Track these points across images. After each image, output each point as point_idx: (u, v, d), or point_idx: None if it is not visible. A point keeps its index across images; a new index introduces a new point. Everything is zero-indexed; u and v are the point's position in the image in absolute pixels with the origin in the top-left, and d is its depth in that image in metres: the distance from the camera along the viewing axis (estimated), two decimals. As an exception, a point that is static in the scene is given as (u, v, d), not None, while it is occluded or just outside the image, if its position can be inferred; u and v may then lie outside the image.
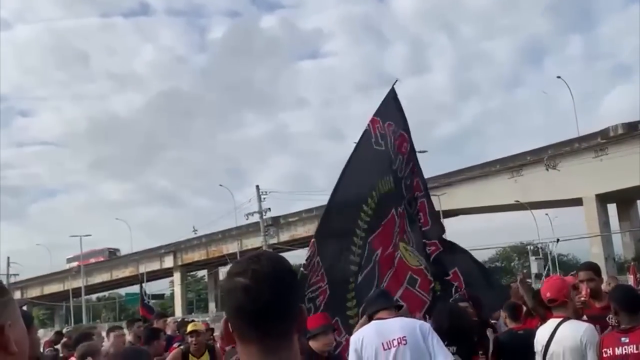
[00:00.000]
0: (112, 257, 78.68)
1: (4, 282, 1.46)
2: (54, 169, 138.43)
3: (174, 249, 71.67)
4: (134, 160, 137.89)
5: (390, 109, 7.25)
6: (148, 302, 10.92)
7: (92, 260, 76.25)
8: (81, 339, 5.73)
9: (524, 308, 6.94)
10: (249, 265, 1.59)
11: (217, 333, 10.25)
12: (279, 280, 1.58)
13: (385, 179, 6.84)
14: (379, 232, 6.62)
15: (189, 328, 7.62)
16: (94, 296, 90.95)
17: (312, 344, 5.01)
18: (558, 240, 43.43)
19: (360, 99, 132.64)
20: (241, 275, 1.57)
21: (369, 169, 6.78)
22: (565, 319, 4.77)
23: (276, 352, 1.55)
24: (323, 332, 4.97)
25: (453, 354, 4.52)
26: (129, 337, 8.60)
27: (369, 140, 6.79)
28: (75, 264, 76.05)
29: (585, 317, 5.32)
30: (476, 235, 76.70)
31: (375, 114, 6.99)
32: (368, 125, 6.87)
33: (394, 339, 4.26)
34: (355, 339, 4.35)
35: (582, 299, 5.48)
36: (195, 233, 70.45)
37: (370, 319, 4.62)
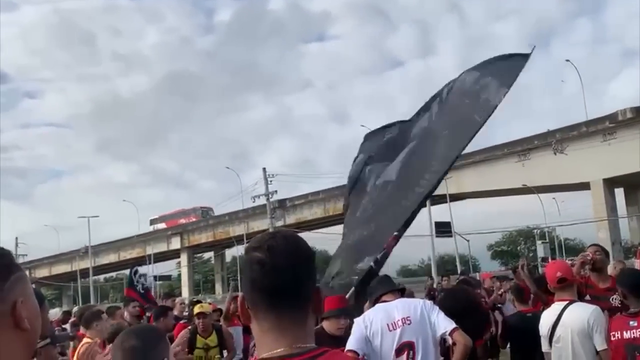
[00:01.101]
0: (206, 216, 72.74)
1: None
2: (61, 150, 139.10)
3: (181, 230, 71.99)
4: (140, 142, 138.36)
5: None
6: (138, 285, 10.33)
7: (182, 221, 74.03)
8: (90, 317, 5.77)
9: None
10: (265, 241, 1.60)
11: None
12: (294, 257, 1.59)
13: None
14: None
15: (196, 310, 7.72)
16: (101, 277, 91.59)
17: (325, 325, 5.08)
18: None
19: (365, 81, 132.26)
20: (257, 250, 1.59)
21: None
22: (572, 301, 4.78)
23: (289, 329, 1.56)
24: (337, 315, 5.01)
25: None
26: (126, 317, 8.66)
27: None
28: (162, 225, 74.97)
29: (588, 297, 5.33)
30: (483, 218, 76.75)
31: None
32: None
33: (398, 320, 4.32)
34: (360, 321, 4.39)
35: (589, 257, 5.56)
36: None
37: (374, 303, 4.67)
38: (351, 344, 4.27)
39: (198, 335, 7.38)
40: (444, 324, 4.30)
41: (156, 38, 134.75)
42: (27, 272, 1.46)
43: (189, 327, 7.58)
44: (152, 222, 78.87)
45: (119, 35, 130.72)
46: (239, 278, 60.20)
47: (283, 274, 1.56)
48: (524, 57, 6.35)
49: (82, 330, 5.96)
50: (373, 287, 4.92)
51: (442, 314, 4.38)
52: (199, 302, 11.02)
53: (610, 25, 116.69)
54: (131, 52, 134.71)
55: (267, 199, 49.70)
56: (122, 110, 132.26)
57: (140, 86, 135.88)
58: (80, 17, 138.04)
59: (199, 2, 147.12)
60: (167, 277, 75.19)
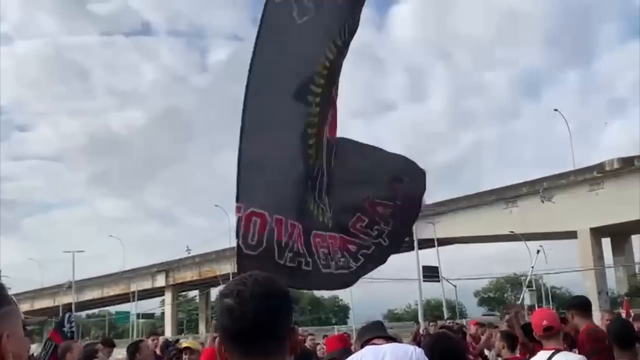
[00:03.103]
0: None
1: None
2: (51, 183, 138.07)
3: (167, 268, 71.34)
4: (131, 178, 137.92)
5: None
6: (67, 330, 9.73)
7: None
8: (87, 355, 5.72)
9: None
10: (235, 287, 1.63)
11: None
12: (264, 301, 1.60)
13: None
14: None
15: (184, 344, 7.62)
16: (83, 313, 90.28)
17: None
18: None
19: (357, 125, 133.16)
20: (227, 296, 1.62)
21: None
22: (557, 350, 4.78)
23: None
24: (341, 357, 4.96)
25: None
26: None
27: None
28: None
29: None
30: (470, 264, 76.69)
31: None
32: None
33: None
34: None
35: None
36: (189, 253, 70.31)
37: (363, 345, 4.64)
38: None
39: None
40: None
41: (151, 75, 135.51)
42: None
43: None
44: None
45: (114, 71, 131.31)
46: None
47: (253, 321, 1.58)
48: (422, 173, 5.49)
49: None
50: (365, 329, 4.86)
51: None
52: (173, 342, 10.88)
53: (600, 76, 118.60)
54: (126, 88, 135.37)
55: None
56: (115, 145, 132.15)
57: (134, 121, 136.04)
58: (75, 52, 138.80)
59: (193, 41, 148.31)
60: (150, 315, 74.22)
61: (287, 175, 4.32)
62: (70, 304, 65.64)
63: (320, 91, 4.46)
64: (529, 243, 47.89)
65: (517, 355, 6.41)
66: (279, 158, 4.31)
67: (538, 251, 14.90)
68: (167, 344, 10.07)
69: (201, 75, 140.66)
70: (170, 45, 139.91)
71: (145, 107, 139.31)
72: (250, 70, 4.16)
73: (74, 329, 10.09)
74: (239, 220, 4.10)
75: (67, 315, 9.96)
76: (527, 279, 23.40)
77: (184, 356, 7.35)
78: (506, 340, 6.61)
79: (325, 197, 4.69)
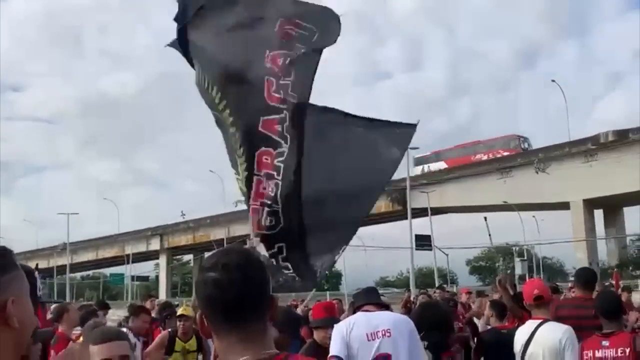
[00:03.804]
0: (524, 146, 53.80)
1: None
2: (44, 145, 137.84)
3: (161, 231, 71.57)
4: (125, 141, 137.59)
5: None
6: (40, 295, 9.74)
7: (499, 153, 53.43)
8: (86, 316, 5.79)
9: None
10: (219, 260, 1.67)
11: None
12: (248, 273, 1.65)
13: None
14: None
15: (179, 312, 7.63)
16: (78, 275, 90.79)
17: (316, 334, 5.04)
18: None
19: (355, 92, 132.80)
20: (211, 269, 1.65)
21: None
22: (545, 320, 4.87)
23: (252, 340, 1.63)
24: (326, 325, 4.97)
25: (425, 348, 4.60)
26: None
27: None
28: (438, 164, 57.03)
29: None
30: (463, 233, 77.14)
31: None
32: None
33: (379, 331, 4.29)
34: (343, 326, 4.39)
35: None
36: (183, 217, 70.51)
37: (355, 311, 4.69)
38: (334, 349, 4.29)
39: (177, 339, 7.23)
40: (418, 357, 4.30)
41: (145, 37, 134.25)
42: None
43: (169, 330, 7.54)
44: (417, 161, 56.64)
45: (108, 33, 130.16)
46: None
47: (240, 291, 1.62)
48: (411, 127, 5.88)
49: (60, 328, 5.94)
50: (358, 295, 4.89)
51: (420, 344, 4.38)
52: (169, 304, 10.95)
53: (597, 48, 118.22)
54: (120, 51, 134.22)
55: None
56: (109, 108, 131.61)
57: (129, 84, 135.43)
58: (69, 13, 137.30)
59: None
60: (144, 278, 74.67)
61: None
62: (64, 265, 66.05)
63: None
64: (522, 214, 48.26)
65: (506, 324, 6.51)
66: None
67: (485, 218, 15.18)
68: (164, 306, 10.12)
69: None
70: (167, 6, 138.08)
71: (140, 71, 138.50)
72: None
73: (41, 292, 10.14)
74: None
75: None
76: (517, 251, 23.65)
77: (178, 323, 7.40)
78: (495, 308, 6.70)
79: None
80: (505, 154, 52.19)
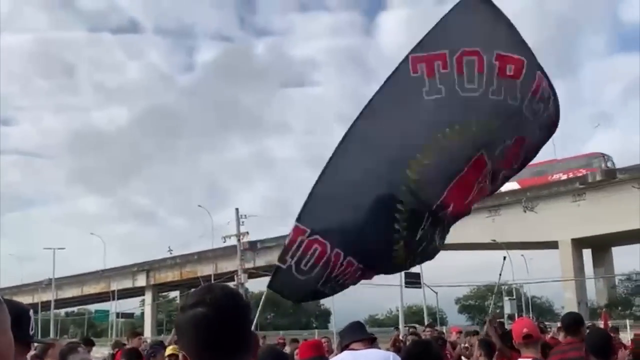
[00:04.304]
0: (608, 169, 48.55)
1: None
2: (32, 179, 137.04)
3: (148, 267, 70.97)
4: (113, 176, 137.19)
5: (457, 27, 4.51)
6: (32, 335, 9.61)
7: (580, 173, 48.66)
8: (67, 351, 5.63)
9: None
10: (204, 296, 1.62)
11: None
12: (235, 309, 1.62)
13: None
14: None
15: (169, 351, 7.50)
16: (62, 311, 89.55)
17: None
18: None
19: (342, 129, 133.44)
20: (199, 305, 1.60)
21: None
22: (534, 359, 4.81)
23: None
24: None
25: None
26: None
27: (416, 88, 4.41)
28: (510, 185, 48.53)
29: None
30: (452, 271, 76.93)
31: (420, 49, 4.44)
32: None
33: None
34: None
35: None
36: (171, 253, 69.92)
37: (343, 349, 4.63)
38: None
39: None
40: None
41: (137, 73, 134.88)
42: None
43: None
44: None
45: (100, 68, 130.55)
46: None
47: (229, 326, 1.59)
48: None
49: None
50: (344, 332, 4.84)
51: None
52: (160, 343, 10.77)
53: (584, 88, 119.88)
54: (111, 85, 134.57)
55: (238, 240, 49.30)
56: (98, 143, 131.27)
57: (119, 119, 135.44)
58: (61, 48, 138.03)
59: (179, 40, 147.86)
60: (129, 315, 73.74)
61: (359, 215, 4.48)
62: (49, 301, 65.18)
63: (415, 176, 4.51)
64: (511, 252, 48.26)
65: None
66: (359, 204, 4.50)
67: (504, 257, 15.03)
68: (155, 344, 9.92)
69: (187, 75, 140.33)
70: (157, 43, 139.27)
71: (130, 105, 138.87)
72: (360, 117, 4.42)
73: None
74: (300, 242, 4.32)
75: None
76: (495, 288, 23.55)
77: None
78: (484, 348, 6.63)
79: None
80: (587, 172, 47.53)
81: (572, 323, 5.92)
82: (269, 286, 4.79)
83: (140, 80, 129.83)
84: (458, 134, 4.43)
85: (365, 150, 4.48)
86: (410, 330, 15.72)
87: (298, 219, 4.36)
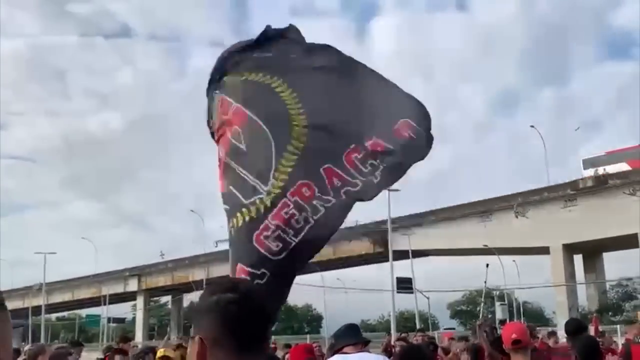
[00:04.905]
0: None
1: None
2: (24, 184, 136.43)
3: (139, 272, 70.73)
4: (106, 181, 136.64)
5: None
6: None
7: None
8: (57, 356, 5.66)
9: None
10: (235, 284, 1.70)
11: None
12: (263, 303, 1.70)
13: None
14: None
15: (160, 353, 7.58)
16: (53, 316, 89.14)
17: None
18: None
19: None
20: (229, 291, 1.64)
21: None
22: (524, 364, 4.84)
23: None
24: None
25: None
26: None
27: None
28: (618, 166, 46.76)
29: None
30: (444, 277, 77.09)
31: None
32: None
33: None
34: None
35: None
36: (162, 257, 69.83)
37: (335, 352, 4.64)
38: None
39: None
40: None
41: (130, 78, 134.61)
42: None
43: None
44: (590, 164, 48.53)
45: (92, 73, 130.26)
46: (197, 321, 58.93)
47: (256, 319, 1.63)
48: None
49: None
50: (337, 335, 4.81)
51: None
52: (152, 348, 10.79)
53: (575, 96, 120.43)
54: (103, 91, 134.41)
55: (230, 245, 49.31)
56: (91, 148, 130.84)
57: (112, 124, 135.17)
58: (54, 53, 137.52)
59: (172, 46, 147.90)
60: (121, 320, 73.45)
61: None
62: (40, 306, 64.85)
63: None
64: (502, 257, 48.39)
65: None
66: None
67: (487, 265, 15.06)
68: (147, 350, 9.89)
69: (180, 81, 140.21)
70: (150, 49, 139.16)
71: (123, 111, 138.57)
72: None
73: None
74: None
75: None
76: (483, 296, 23.49)
77: None
78: (471, 353, 6.68)
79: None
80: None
81: (573, 329, 5.95)
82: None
83: (134, 85, 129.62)
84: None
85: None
86: (401, 335, 15.72)
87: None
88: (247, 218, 4.26)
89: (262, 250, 4.11)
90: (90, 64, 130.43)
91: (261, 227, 4.20)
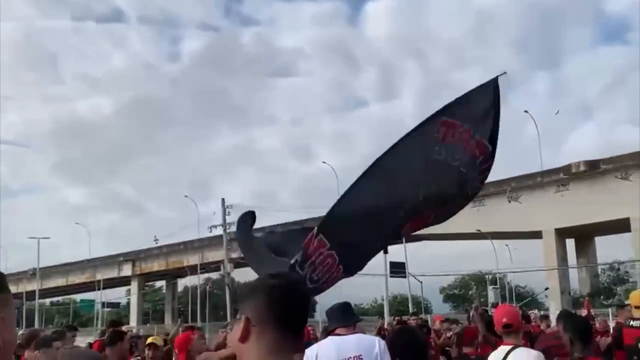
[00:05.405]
0: None
1: None
2: (17, 169, 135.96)
3: (133, 257, 70.76)
4: (99, 166, 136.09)
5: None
6: None
7: None
8: (48, 339, 5.68)
9: (479, 334, 7.08)
10: (285, 273, 2.06)
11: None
12: (306, 293, 1.94)
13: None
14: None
15: (149, 340, 7.66)
16: (47, 300, 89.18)
17: None
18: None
19: (328, 120, 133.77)
20: (278, 278, 1.88)
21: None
22: (516, 346, 4.90)
23: (293, 348, 1.80)
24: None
25: None
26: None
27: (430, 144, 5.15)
28: None
29: None
30: (437, 261, 77.41)
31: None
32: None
33: (350, 357, 4.26)
34: (311, 354, 4.37)
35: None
36: (157, 243, 69.80)
37: (328, 333, 4.67)
38: None
39: None
40: None
41: (122, 62, 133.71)
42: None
43: (137, 357, 7.52)
44: None
45: (84, 57, 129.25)
46: (190, 308, 59.56)
47: (299, 306, 1.85)
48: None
49: (27, 353, 5.84)
50: (329, 316, 4.82)
51: None
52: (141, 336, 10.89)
53: (568, 80, 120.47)
54: (96, 75, 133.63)
55: (224, 230, 49.28)
56: (83, 132, 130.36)
57: (104, 109, 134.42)
58: (45, 37, 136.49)
59: (165, 29, 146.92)
60: (115, 305, 73.61)
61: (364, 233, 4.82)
62: (34, 290, 64.91)
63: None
64: (495, 242, 48.65)
65: (474, 350, 6.56)
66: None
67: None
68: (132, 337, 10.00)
69: (172, 65, 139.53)
70: (142, 32, 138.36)
71: (115, 95, 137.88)
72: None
73: None
74: (320, 254, 4.45)
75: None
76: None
77: (147, 351, 7.40)
78: (457, 335, 6.77)
79: None
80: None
81: (567, 314, 6.03)
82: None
83: (126, 69, 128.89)
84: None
85: (382, 180, 4.95)
86: (396, 319, 15.84)
87: (321, 232, 4.47)
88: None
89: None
90: (82, 48, 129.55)
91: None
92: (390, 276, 39.81)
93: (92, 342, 10.77)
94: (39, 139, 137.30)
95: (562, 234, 46.33)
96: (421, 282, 48.23)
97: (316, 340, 8.93)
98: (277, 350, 1.75)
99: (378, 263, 39.04)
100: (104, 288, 67.15)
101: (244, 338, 1.77)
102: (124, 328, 11.93)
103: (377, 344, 4.47)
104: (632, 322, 7.42)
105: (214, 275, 69.55)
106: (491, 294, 46.70)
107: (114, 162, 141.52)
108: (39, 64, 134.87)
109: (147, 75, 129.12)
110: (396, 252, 45.27)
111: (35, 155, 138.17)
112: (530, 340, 7.02)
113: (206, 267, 58.30)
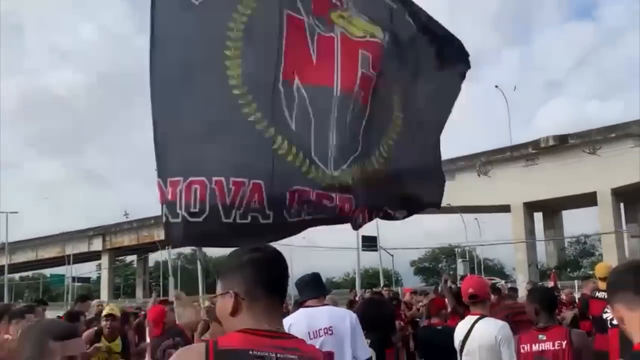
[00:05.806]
0: None
1: None
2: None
3: (104, 231, 70.19)
4: (68, 140, 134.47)
5: None
6: None
7: None
8: (18, 313, 5.66)
9: (448, 305, 7.22)
10: (261, 246, 2.02)
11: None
12: (285, 262, 2.01)
13: None
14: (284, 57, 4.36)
15: (105, 311, 7.61)
16: (17, 275, 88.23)
17: None
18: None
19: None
20: (257, 251, 1.97)
21: None
22: (482, 316, 5.01)
23: (278, 314, 1.97)
24: None
25: (369, 345, 4.64)
26: None
27: None
28: None
29: None
30: (407, 235, 78.18)
31: None
32: None
33: (321, 329, 4.25)
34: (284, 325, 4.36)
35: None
36: (127, 217, 69.32)
37: (299, 305, 4.68)
38: None
39: (102, 337, 7.21)
40: (361, 351, 4.32)
41: (91, 34, 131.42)
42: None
43: (95, 328, 7.48)
44: None
45: (52, 29, 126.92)
46: (162, 283, 59.40)
47: (281, 275, 1.98)
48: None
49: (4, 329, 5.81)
50: (300, 288, 4.77)
51: (362, 338, 4.39)
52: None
53: (538, 56, 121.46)
54: (65, 48, 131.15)
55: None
56: (53, 106, 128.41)
57: (74, 82, 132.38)
58: (10, 7, 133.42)
59: (137, 2, 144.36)
60: (86, 279, 73.08)
61: (216, 135, 4.15)
62: (3, 265, 64.12)
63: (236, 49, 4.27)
64: (464, 216, 49.19)
65: (441, 320, 6.68)
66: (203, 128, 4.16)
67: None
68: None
69: (145, 36, 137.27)
70: (113, 2, 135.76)
71: (85, 68, 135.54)
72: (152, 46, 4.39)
73: None
74: (180, 192, 3.96)
75: None
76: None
77: (104, 322, 7.32)
78: (426, 307, 6.89)
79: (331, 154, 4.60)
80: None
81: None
82: (175, 245, 4.45)
83: (96, 41, 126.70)
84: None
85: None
86: (369, 291, 16.00)
87: (167, 174, 4.01)
88: (304, 168, 4.37)
89: (287, 203, 4.21)
90: (49, 20, 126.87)
91: (305, 189, 4.30)
92: (362, 250, 40.09)
93: (61, 316, 10.75)
94: (7, 113, 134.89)
95: (530, 207, 46.96)
96: (392, 256, 48.72)
97: (288, 313, 9.00)
98: (269, 317, 1.89)
99: (349, 237, 39.32)
100: (74, 263, 66.55)
101: (235, 311, 1.88)
102: (94, 302, 11.89)
103: (349, 317, 4.49)
104: (598, 294, 7.63)
105: (186, 250, 69.46)
106: (460, 267, 47.32)
107: (83, 137, 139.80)
108: (4, 35, 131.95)
109: (118, 47, 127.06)
110: (368, 226, 45.60)
111: (3, 129, 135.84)
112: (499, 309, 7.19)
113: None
